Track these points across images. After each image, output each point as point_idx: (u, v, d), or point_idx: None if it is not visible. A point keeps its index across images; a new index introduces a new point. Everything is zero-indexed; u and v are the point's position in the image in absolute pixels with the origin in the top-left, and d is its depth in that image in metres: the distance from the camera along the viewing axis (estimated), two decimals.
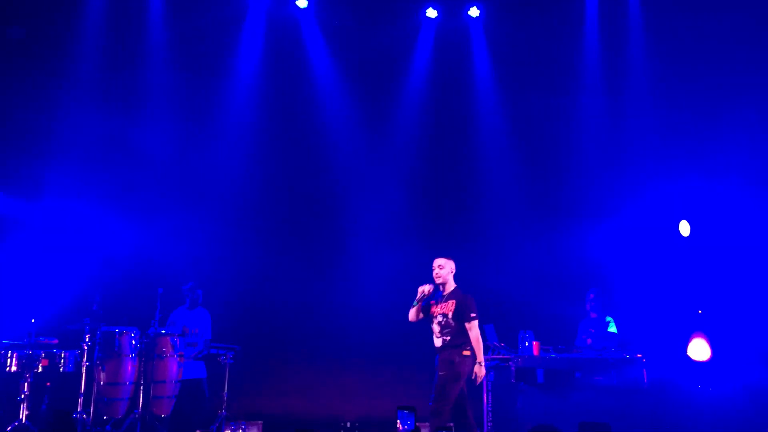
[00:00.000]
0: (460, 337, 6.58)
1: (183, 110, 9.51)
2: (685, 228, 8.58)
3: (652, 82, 9.46)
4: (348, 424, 8.90)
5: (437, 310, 6.73)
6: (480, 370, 6.58)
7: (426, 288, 6.70)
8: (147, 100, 9.45)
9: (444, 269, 6.79)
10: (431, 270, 6.82)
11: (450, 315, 6.64)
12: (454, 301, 6.68)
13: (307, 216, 9.72)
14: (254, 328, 9.13)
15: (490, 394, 7.95)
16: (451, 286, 6.81)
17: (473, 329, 6.60)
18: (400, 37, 9.87)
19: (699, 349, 7.91)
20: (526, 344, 7.85)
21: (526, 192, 9.79)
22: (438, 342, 6.69)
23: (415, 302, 6.76)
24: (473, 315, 6.62)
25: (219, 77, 9.64)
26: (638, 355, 7.66)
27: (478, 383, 6.66)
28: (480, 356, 6.61)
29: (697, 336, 7.96)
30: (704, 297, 8.46)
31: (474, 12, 9.83)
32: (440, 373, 6.61)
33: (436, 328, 6.72)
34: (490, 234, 9.69)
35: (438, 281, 6.76)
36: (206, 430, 7.80)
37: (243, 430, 8.25)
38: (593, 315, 8.45)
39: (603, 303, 8.44)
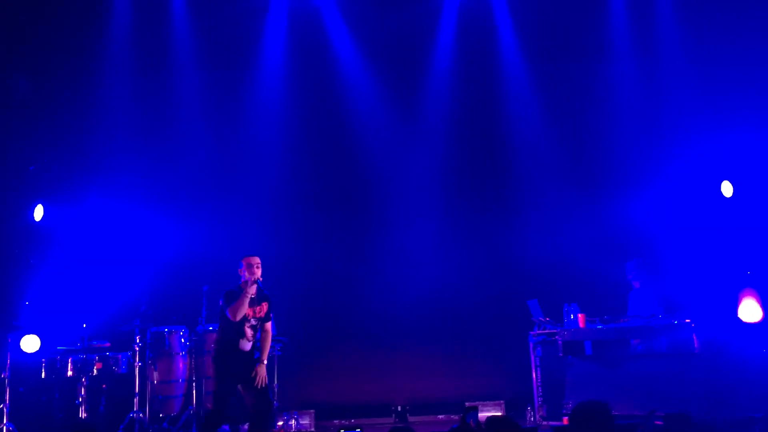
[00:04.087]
0: None
1: (215, 108, 9.61)
2: (727, 189, 8.35)
3: (684, 36, 9.19)
4: (399, 408, 8.95)
5: (256, 311, 6.36)
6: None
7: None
8: (179, 100, 9.58)
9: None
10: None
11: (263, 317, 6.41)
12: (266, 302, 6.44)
13: (342, 201, 9.74)
14: (301, 319, 9.20)
15: (538, 369, 7.92)
16: None
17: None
18: (424, 15, 9.75)
19: (750, 310, 7.70)
20: (572, 317, 7.77)
21: (563, 163, 9.64)
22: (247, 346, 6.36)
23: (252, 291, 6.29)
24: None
25: (246, 72, 9.69)
26: (687, 320, 7.51)
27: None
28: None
29: (748, 296, 7.75)
30: (753, 257, 8.23)
31: None
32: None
33: (249, 332, 6.34)
34: (528, 208, 9.57)
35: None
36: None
37: (296, 419, 8.37)
38: (636, 285, 8.32)
39: (646, 271, 8.29)
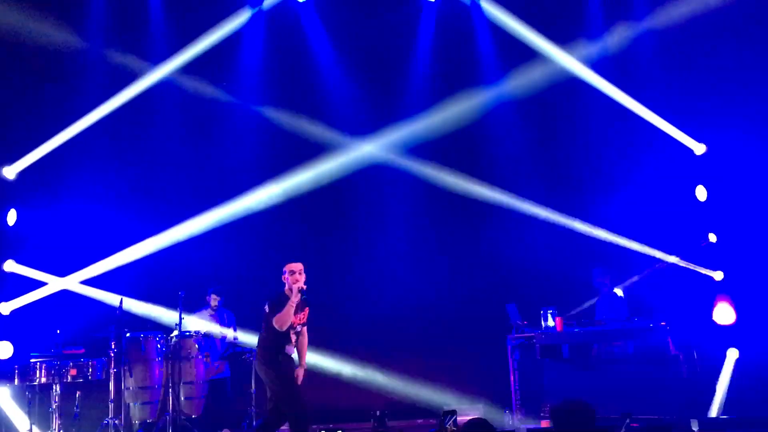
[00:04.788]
0: None
1: (192, 111, 9.54)
2: (701, 193, 8.48)
3: (657, 43, 9.32)
4: (378, 412, 8.91)
5: (299, 318, 6.37)
6: None
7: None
8: (156, 103, 9.49)
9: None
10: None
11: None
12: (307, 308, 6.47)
13: (320, 207, 9.72)
14: None
15: (516, 372, 7.96)
16: None
17: None
18: (402, 23, 9.80)
19: (724, 314, 7.82)
20: (549, 321, 7.83)
21: (540, 169, 9.70)
22: (292, 351, 6.40)
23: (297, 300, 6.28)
24: None
25: (223, 74, 9.64)
26: (662, 323, 7.60)
27: None
28: None
29: (722, 300, 7.87)
30: (727, 261, 8.36)
31: None
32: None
33: (294, 337, 6.37)
34: (506, 213, 9.62)
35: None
36: (237, 427, 7.87)
37: None
38: (606, 291, 8.44)
39: (610, 278, 8.41)
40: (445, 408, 8.17)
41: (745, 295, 7.95)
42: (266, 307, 6.31)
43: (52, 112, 8.98)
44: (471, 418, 4.61)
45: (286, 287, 6.33)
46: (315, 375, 9.23)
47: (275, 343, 6.26)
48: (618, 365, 7.76)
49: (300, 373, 6.39)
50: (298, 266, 6.37)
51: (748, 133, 8.62)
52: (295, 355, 6.44)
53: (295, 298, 6.21)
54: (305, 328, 6.49)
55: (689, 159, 8.93)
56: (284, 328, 6.18)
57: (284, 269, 6.38)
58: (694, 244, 8.71)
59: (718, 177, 8.66)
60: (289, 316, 6.17)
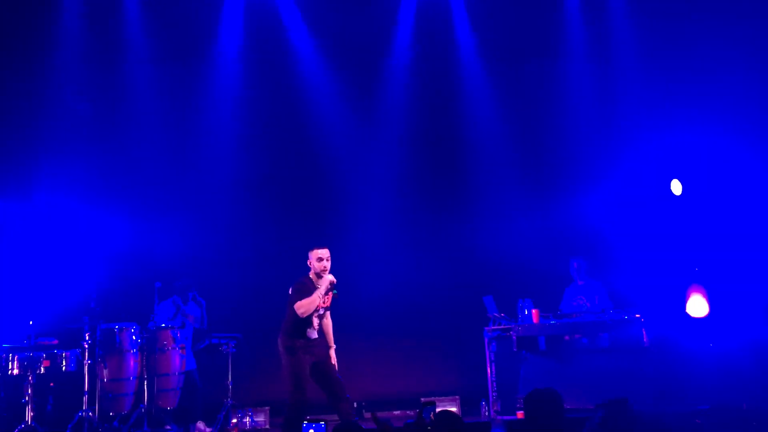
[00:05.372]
0: None
1: (168, 102, 9.45)
2: (676, 187, 8.56)
3: (635, 37, 9.40)
4: (354, 404, 8.90)
5: (323, 302, 6.36)
6: None
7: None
8: (132, 93, 9.39)
9: None
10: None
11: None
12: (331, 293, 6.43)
13: (298, 197, 9.69)
14: (255, 315, 9.10)
15: (493, 364, 7.99)
16: None
17: None
18: (382, 13, 9.76)
19: (697, 306, 7.91)
20: (526, 312, 7.87)
21: (518, 161, 9.75)
22: (315, 334, 6.41)
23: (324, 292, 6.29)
24: None
25: (200, 65, 9.55)
26: (637, 316, 7.68)
27: None
28: None
29: (695, 292, 7.96)
30: (701, 253, 8.46)
31: None
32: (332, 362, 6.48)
33: (316, 321, 6.38)
34: (484, 205, 9.66)
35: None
36: (212, 419, 7.83)
37: (250, 416, 8.29)
38: (580, 282, 8.50)
39: (589, 270, 8.46)
40: (423, 399, 8.25)
41: (719, 288, 8.05)
42: (290, 290, 6.29)
43: (23, 103, 8.82)
44: (439, 410, 4.63)
45: (311, 272, 6.30)
46: None
47: (296, 327, 6.24)
48: (593, 357, 7.81)
49: (332, 354, 6.41)
50: (325, 252, 6.31)
51: (725, 127, 8.74)
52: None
53: (323, 290, 6.20)
54: (328, 312, 6.48)
55: (668, 153, 9.01)
56: (304, 316, 6.16)
57: (309, 254, 6.32)
58: (671, 238, 8.80)
59: (695, 170, 8.75)
60: (313, 305, 6.17)
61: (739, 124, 8.80)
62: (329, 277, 6.27)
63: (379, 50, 9.82)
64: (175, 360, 7.68)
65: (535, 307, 7.88)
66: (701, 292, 8.02)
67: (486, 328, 8.10)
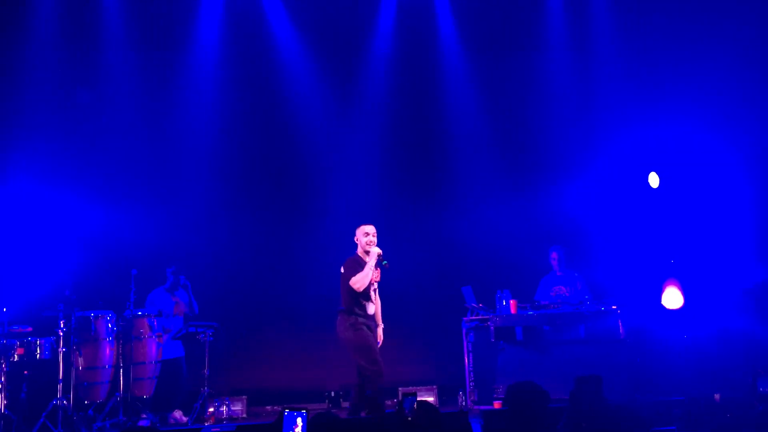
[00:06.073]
0: None
1: (145, 89, 9.33)
2: (654, 180, 8.65)
3: (615, 32, 9.48)
4: (332, 393, 8.93)
5: (375, 276, 6.65)
6: None
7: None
8: (110, 78, 9.26)
9: None
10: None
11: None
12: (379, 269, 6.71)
13: (276, 187, 9.65)
14: (232, 305, 9.08)
15: (471, 354, 8.02)
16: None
17: None
18: (363, 3, 9.72)
19: (672, 298, 8.01)
20: (504, 303, 7.91)
21: (497, 152, 9.80)
22: (372, 309, 6.69)
23: (374, 265, 6.60)
24: None
25: (179, 53, 9.45)
26: (613, 307, 7.76)
27: None
28: None
29: (670, 284, 8.05)
30: (676, 246, 8.56)
31: None
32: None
33: (373, 295, 6.71)
34: (462, 196, 9.70)
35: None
36: (189, 408, 7.77)
37: (227, 405, 8.23)
38: (559, 273, 8.56)
39: (567, 260, 8.51)
40: (401, 389, 8.27)
41: (694, 280, 8.16)
42: (342, 269, 6.55)
43: None
44: (419, 400, 4.63)
45: (359, 249, 6.65)
46: (267, 356, 9.25)
47: (356, 302, 6.53)
48: (569, 347, 7.85)
49: (380, 332, 6.67)
50: (371, 228, 6.69)
51: (702, 121, 8.84)
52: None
53: (373, 261, 6.51)
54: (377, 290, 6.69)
55: (646, 147, 9.08)
56: (361, 289, 6.45)
57: (356, 231, 6.71)
58: (648, 230, 8.89)
59: (672, 164, 8.84)
60: (368, 278, 6.48)
61: (716, 119, 8.90)
62: (376, 250, 6.59)
63: (361, 39, 9.79)
64: (152, 348, 7.61)
65: (513, 298, 7.93)
66: (676, 285, 8.12)
67: (464, 318, 8.14)
